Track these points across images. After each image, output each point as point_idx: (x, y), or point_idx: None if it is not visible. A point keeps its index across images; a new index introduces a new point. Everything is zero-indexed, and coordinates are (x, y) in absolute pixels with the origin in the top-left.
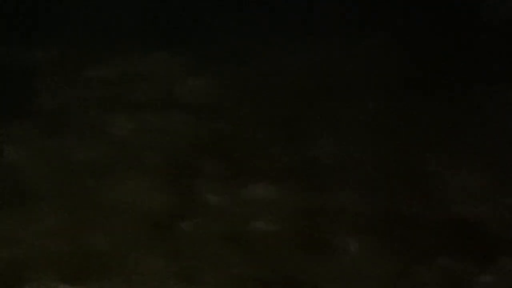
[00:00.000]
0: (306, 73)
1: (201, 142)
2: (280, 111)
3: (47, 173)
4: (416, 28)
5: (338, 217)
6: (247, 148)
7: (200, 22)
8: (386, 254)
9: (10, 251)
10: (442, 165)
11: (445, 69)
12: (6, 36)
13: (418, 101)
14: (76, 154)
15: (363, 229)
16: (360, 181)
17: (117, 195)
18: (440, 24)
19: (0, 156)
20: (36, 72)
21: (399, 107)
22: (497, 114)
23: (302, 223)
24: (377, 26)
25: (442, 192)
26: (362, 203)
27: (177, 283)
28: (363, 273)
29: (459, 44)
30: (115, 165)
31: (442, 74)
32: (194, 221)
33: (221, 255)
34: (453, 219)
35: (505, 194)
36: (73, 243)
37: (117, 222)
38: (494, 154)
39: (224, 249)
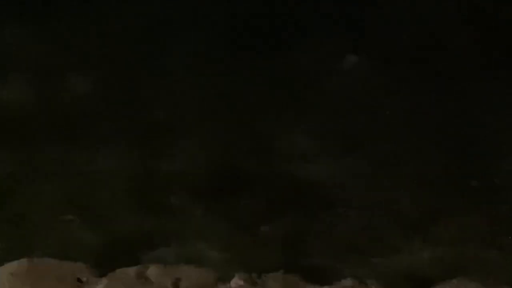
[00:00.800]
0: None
1: (40, 107)
2: (116, 73)
3: None
4: None
5: (177, 179)
6: (86, 112)
7: None
8: (227, 213)
9: None
10: (276, 125)
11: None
12: None
13: (247, 63)
14: None
15: (202, 190)
16: (197, 142)
17: None
18: None
19: None
20: None
21: (226, 67)
22: (325, 76)
23: (140, 185)
24: None
25: (278, 151)
26: (200, 164)
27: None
28: (203, 232)
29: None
30: None
31: (268, 34)
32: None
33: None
34: (288, 178)
35: (335, 154)
36: None
37: None
38: (324, 116)
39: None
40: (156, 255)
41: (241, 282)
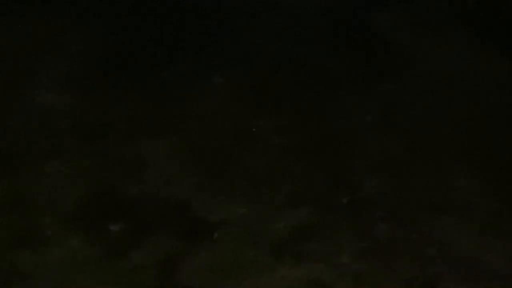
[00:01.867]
0: None
1: None
2: None
3: None
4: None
5: (47, 207)
6: None
7: None
8: (99, 239)
9: None
10: (146, 147)
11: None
12: None
13: (114, 84)
14: None
15: (73, 216)
16: (66, 167)
17: None
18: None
19: None
20: None
21: (94, 89)
22: (192, 95)
23: (7, 214)
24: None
25: (149, 174)
26: (70, 190)
27: None
28: (76, 261)
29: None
30: None
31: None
32: None
33: None
34: (159, 201)
35: (206, 175)
36: None
37: None
38: (192, 136)
39: None
40: None
41: None
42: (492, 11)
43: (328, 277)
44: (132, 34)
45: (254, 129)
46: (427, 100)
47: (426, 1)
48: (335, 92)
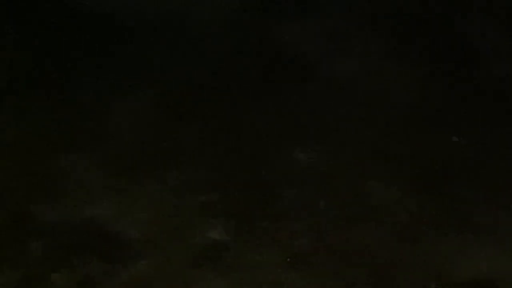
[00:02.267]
0: None
1: None
2: None
3: None
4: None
5: None
6: None
7: None
8: (17, 262)
9: None
10: (63, 165)
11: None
12: None
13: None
14: None
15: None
16: None
17: None
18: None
19: None
20: None
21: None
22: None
23: None
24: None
25: (67, 192)
26: None
27: None
28: None
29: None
30: None
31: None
32: None
33: None
34: (80, 220)
35: (123, 191)
36: None
37: None
38: (109, 152)
39: None
40: None
41: None
42: (403, 18)
43: None
44: (45, 54)
45: (165, 143)
46: (339, 108)
47: (337, 10)
48: (248, 104)
